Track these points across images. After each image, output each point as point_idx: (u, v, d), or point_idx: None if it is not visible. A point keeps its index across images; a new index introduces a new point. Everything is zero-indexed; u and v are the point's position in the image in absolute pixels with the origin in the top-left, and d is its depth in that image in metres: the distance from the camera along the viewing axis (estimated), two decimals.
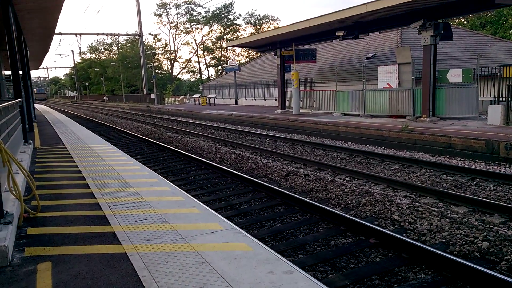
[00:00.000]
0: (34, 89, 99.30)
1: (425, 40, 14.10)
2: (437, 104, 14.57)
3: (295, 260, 4.91)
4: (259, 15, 74.05)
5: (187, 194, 5.79)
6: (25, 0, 11.68)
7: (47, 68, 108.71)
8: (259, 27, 68.68)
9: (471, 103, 13.86)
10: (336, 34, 17.06)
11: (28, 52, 23.18)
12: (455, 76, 14.32)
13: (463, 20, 38.76)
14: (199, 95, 40.90)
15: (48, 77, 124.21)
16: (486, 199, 6.70)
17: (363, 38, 19.98)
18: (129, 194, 5.77)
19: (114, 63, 64.35)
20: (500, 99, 13.03)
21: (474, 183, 8.08)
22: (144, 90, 48.07)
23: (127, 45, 71.89)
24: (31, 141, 11.43)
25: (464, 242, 5.14)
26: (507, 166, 9.27)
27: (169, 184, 6.43)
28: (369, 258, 4.94)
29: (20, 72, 13.55)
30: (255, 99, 31.60)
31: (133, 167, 7.87)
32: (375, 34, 22.52)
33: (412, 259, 4.76)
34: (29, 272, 3.49)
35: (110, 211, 5.01)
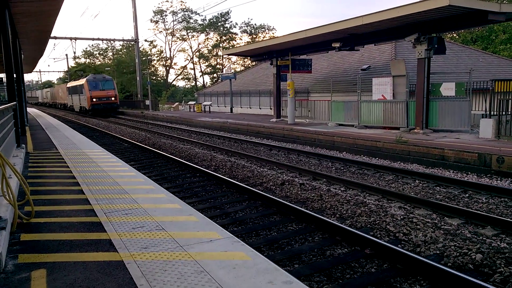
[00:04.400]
0: (89, 76, 39.63)
1: (419, 54, 14.27)
2: (430, 117, 14.70)
3: (291, 270, 4.91)
4: (255, 24, 74.11)
5: (184, 202, 5.77)
6: (22, 4, 11.65)
7: (40, 71, 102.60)
8: (255, 36, 68.99)
9: (464, 116, 14.01)
10: (332, 45, 17.20)
11: (22, 56, 23.07)
12: (448, 89, 14.49)
13: (455, 34, 39.31)
14: (194, 102, 40.86)
15: (41, 80, 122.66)
16: (478, 212, 6.76)
17: (359, 50, 20.17)
18: (124, 200, 5.73)
19: (109, 68, 64.17)
20: (492, 113, 13.20)
21: (467, 195, 8.15)
22: (139, 96, 47.91)
23: (123, 50, 71.76)
24: (24, 145, 11.33)
25: (458, 254, 5.17)
26: (499, 179, 9.36)
27: (165, 191, 6.40)
28: (364, 269, 4.95)
29: (14, 76, 13.46)
30: (250, 108, 31.66)
31: (128, 173, 7.83)
32: (370, 46, 22.73)
33: (407, 270, 4.77)
34: (23, 279, 3.43)
35: (105, 218, 4.97)
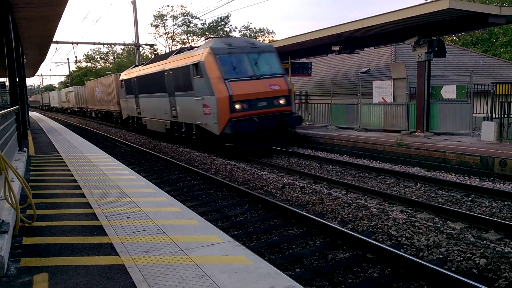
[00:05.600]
0: (213, 41, 13.93)
1: (419, 57, 14.28)
2: (431, 120, 14.69)
3: (292, 274, 4.89)
4: (254, 28, 74.20)
5: (184, 206, 5.76)
6: (26, 9, 11.68)
7: (41, 76, 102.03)
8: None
9: (465, 119, 13.99)
10: (332, 48, 17.21)
11: (25, 60, 23.12)
12: (449, 92, 14.48)
13: (455, 37, 39.37)
14: None
15: (43, 84, 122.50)
16: (482, 215, 6.73)
17: (358, 53, 20.20)
18: (125, 204, 5.72)
19: (110, 72, 64.18)
20: (494, 115, 13.18)
21: (470, 199, 8.12)
22: None
23: (123, 54, 71.90)
24: (26, 148, 11.32)
25: (461, 258, 5.15)
26: (502, 182, 9.33)
27: (165, 194, 6.39)
28: (366, 274, 4.93)
29: (17, 80, 13.47)
30: None
31: (128, 177, 7.82)
32: (370, 49, 22.78)
33: (410, 275, 4.75)
34: (25, 283, 3.42)
35: (107, 221, 4.96)
